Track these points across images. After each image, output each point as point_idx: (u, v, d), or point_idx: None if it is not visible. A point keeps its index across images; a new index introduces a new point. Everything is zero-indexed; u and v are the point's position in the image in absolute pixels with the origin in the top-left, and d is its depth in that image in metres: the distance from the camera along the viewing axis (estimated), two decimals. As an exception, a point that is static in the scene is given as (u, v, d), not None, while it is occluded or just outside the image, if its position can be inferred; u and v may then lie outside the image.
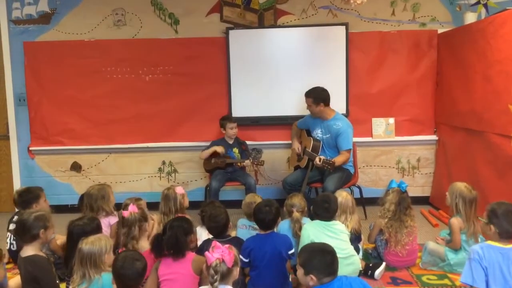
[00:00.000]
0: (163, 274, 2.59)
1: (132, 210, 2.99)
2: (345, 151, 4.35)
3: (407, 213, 3.51)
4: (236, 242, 2.94)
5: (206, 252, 2.24)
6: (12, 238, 3.56)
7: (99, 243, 2.49)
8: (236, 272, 2.28)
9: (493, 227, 2.60)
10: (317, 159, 4.17)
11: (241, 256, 2.78)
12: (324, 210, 3.15)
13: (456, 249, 3.40)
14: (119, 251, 2.98)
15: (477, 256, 2.52)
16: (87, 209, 3.45)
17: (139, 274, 2.32)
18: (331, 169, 4.13)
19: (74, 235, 2.77)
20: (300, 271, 2.33)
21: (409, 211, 3.54)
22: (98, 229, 2.99)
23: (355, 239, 3.48)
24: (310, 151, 4.43)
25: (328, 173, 4.38)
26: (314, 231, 3.04)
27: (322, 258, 2.30)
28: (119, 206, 3.64)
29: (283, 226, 3.46)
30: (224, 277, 2.22)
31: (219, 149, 4.71)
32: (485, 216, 2.68)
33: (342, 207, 3.46)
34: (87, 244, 2.47)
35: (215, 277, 2.19)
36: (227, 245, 2.28)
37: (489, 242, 2.60)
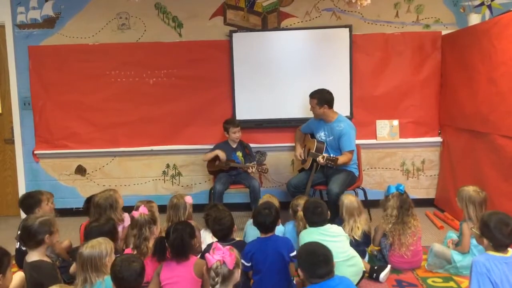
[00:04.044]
0: (165, 278, 2.58)
1: (142, 211, 2.99)
2: (348, 152, 4.37)
3: (409, 214, 3.52)
4: (241, 245, 2.93)
5: (207, 254, 2.21)
6: None
7: (99, 246, 2.49)
8: (238, 274, 2.25)
9: (485, 240, 2.51)
10: (320, 157, 4.20)
11: (243, 260, 2.78)
12: (318, 216, 3.15)
13: (464, 253, 3.38)
14: (127, 252, 2.99)
15: (484, 270, 2.40)
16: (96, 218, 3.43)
17: (137, 275, 2.31)
18: (334, 165, 4.18)
19: (92, 236, 2.77)
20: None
21: (411, 211, 3.54)
22: (114, 229, 3.02)
23: (364, 241, 3.47)
24: (314, 152, 4.44)
25: (332, 175, 4.39)
26: (313, 239, 3.01)
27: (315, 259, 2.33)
28: (126, 209, 3.66)
29: (288, 227, 3.55)
30: (225, 279, 2.18)
31: (221, 154, 4.71)
32: (477, 228, 2.60)
33: (349, 210, 3.48)
34: (87, 248, 2.47)
35: (216, 279, 2.16)
36: (228, 247, 2.25)
37: (490, 252, 2.50)
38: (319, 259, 2.31)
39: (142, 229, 2.95)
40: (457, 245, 3.49)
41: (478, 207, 3.33)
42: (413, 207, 3.56)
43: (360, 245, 3.38)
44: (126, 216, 3.55)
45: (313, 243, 2.52)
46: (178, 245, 2.59)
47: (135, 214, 3.00)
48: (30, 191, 3.65)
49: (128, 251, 3.00)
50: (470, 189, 3.40)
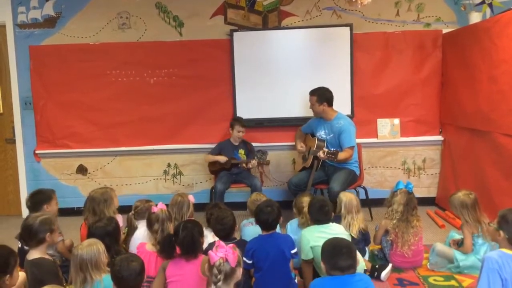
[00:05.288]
0: (171, 275, 2.58)
1: (162, 207, 3.02)
2: (348, 148, 4.37)
3: (413, 214, 3.53)
4: (242, 244, 2.93)
5: (210, 251, 2.22)
6: None
7: (95, 245, 2.53)
8: (239, 273, 2.26)
9: (502, 232, 2.52)
10: (320, 152, 4.21)
11: (244, 258, 2.78)
12: (324, 214, 3.13)
13: (467, 253, 3.38)
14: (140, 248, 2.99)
15: (496, 266, 2.40)
16: (90, 213, 3.42)
17: (137, 274, 2.31)
18: (334, 159, 4.18)
19: (96, 237, 2.78)
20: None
21: (416, 212, 3.55)
22: (117, 229, 3.03)
23: (362, 239, 3.47)
24: (314, 149, 4.45)
25: (333, 173, 4.39)
26: (313, 237, 3.01)
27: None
28: (123, 209, 3.66)
29: (292, 226, 3.54)
30: (228, 277, 2.19)
31: (222, 160, 4.73)
32: (495, 222, 2.61)
33: (347, 207, 3.47)
34: (84, 249, 2.50)
35: (219, 276, 2.16)
36: (231, 245, 2.26)
37: (504, 250, 2.49)
38: (341, 251, 2.32)
39: (164, 224, 2.97)
40: (459, 245, 3.49)
41: (472, 209, 3.36)
42: (417, 209, 3.57)
43: (358, 243, 3.35)
44: (120, 217, 3.55)
45: (339, 237, 2.55)
46: (188, 243, 2.59)
47: (155, 209, 3.01)
48: (40, 188, 3.63)
49: (142, 246, 3.00)
50: (460, 194, 3.42)
